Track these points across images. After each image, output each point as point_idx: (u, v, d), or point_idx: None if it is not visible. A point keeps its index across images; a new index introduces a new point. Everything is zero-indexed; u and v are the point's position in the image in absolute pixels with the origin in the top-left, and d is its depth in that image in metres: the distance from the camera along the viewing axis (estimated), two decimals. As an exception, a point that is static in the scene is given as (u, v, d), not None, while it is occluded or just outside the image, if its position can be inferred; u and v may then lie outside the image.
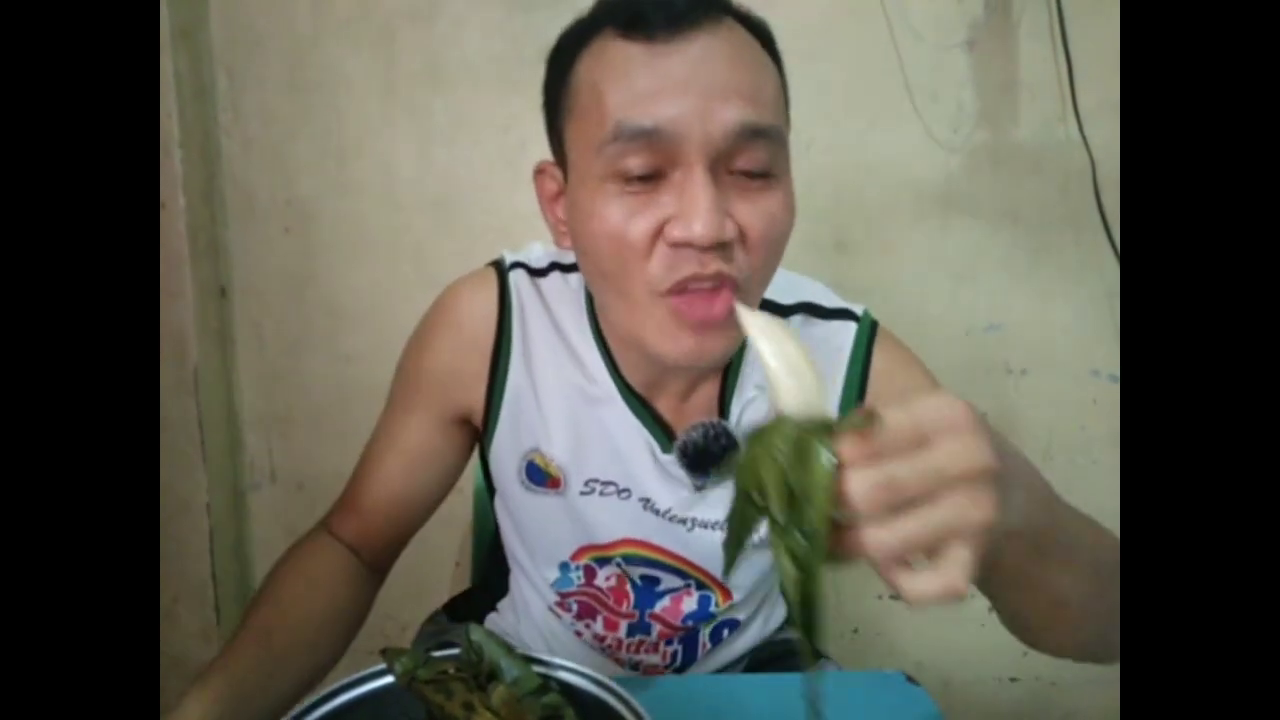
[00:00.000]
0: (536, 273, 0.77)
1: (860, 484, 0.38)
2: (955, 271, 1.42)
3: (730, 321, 0.60)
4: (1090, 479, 1.44)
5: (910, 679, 0.71)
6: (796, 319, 0.76)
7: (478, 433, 0.80)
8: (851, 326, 0.76)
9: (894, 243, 1.40)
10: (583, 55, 0.63)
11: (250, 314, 1.45)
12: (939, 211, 1.39)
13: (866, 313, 0.78)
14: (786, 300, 0.76)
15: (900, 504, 0.39)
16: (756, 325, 0.47)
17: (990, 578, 0.55)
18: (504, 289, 0.76)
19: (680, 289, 0.59)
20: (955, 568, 0.39)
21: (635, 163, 0.58)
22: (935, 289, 1.42)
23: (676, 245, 0.58)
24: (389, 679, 0.55)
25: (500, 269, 0.77)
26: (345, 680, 0.55)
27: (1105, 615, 0.58)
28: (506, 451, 0.77)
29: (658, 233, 0.59)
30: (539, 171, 0.70)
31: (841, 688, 0.71)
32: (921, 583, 0.40)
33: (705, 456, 0.71)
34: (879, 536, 0.39)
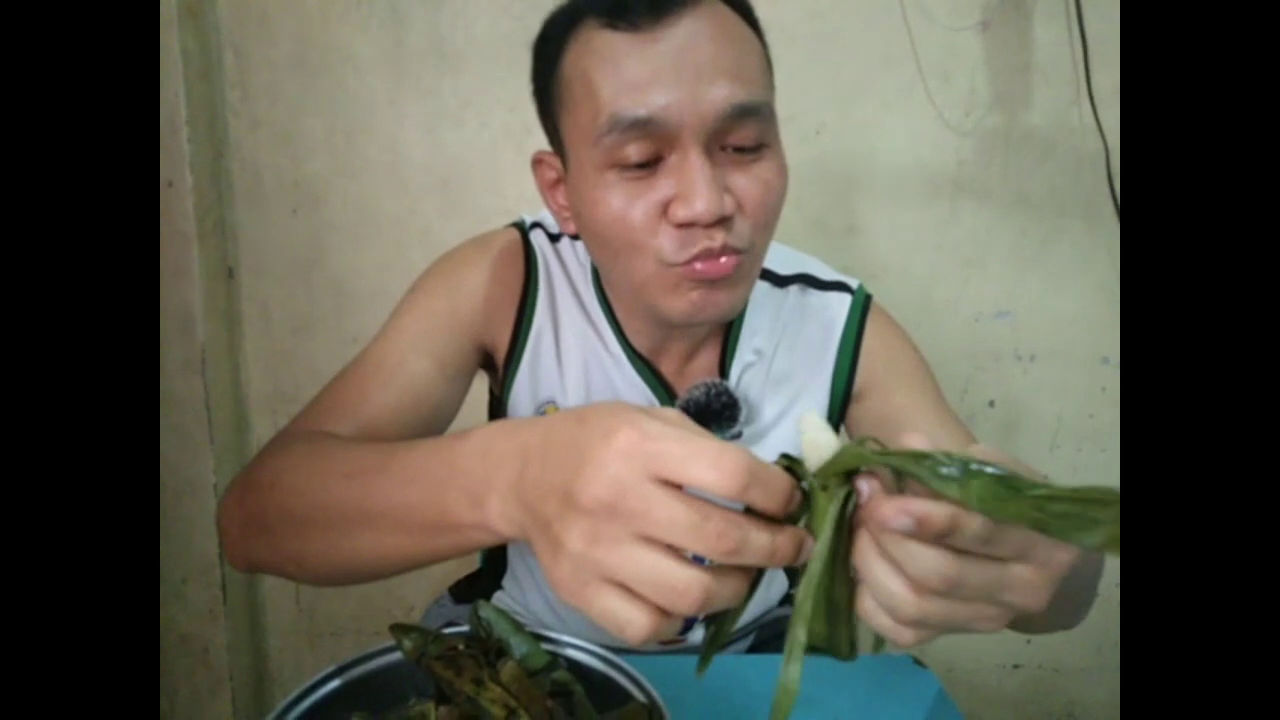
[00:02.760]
0: (552, 236, 0.80)
1: (932, 567, 0.36)
2: (965, 256, 1.41)
3: (735, 279, 0.64)
4: (1098, 467, 1.44)
5: (918, 661, 0.71)
6: (794, 288, 0.80)
7: (490, 379, 0.80)
8: (846, 298, 0.79)
9: (904, 227, 1.39)
10: (570, 45, 0.64)
11: (257, 294, 1.45)
12: (950, 195, 1.38)
13: (861, 286, 0.81)
14: (785, 271, 0.80)
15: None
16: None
17: None
18: (527, 244, 0.78)
19: (691, 262, 0.62)
20: (924, 638, 0.39)
21: (633, 150, 0.61)
22: (945, 274, 1.41)
23: (682, 225, 0.61)
24: (397, 655, 0.55)
25: (521, 229, 0.79)
26: (354, 656, 0.55)
27: (1081, 609, 0.61)
28: (524, 400, 0.78)
29: (661, 214, 0.62)
30: (537, 161, 0.72)
31: (849, 669, 0.71)
32: (880, 619, 0.39)
33: (707, 414, 0.74)
34: (901, 595, 0.37)
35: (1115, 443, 1.44)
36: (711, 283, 0.63)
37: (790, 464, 0.41)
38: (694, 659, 0.75)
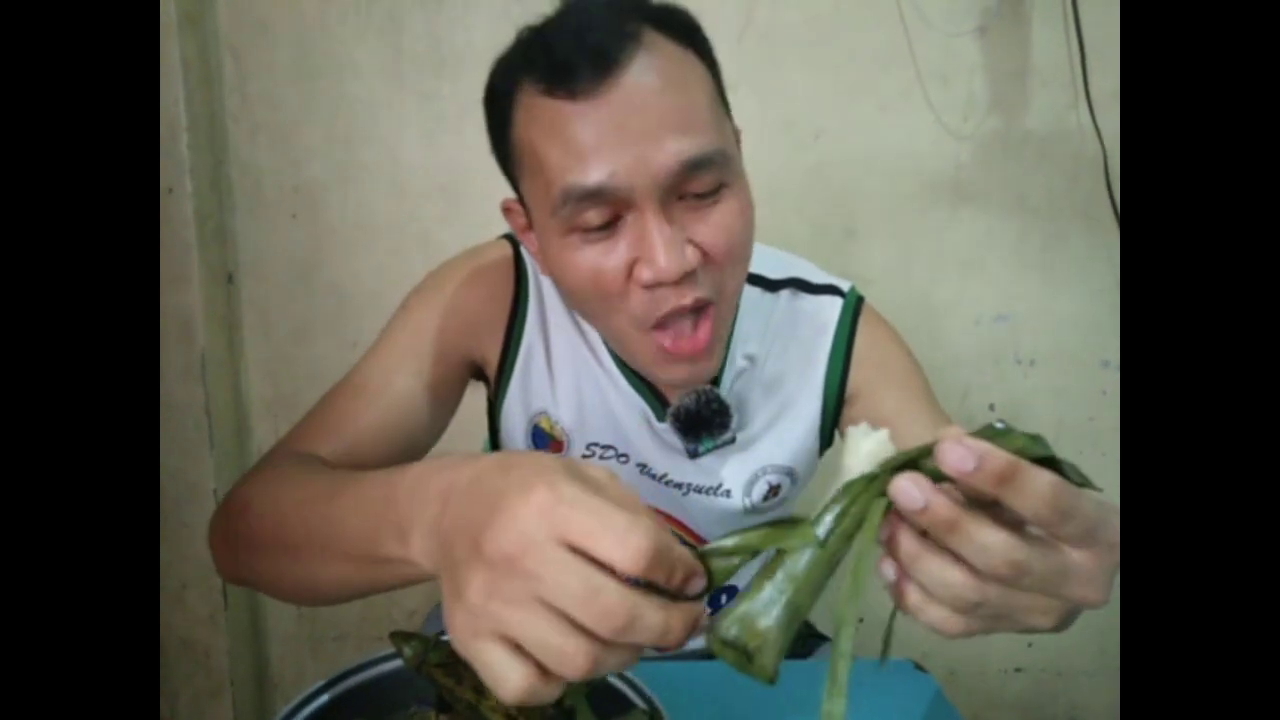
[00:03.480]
0: None
1: (999, 549, 0.35)
2: (965, 260, 1.41)
3: (715, 343, 0.65)
4: (1098, 470, 1.42)
5: (919, 666, 0.71)
6: (785, 293, 0.79)
7: (486, 389, 0.81)
8: (838, 302, 0.79)
9: (903, 231, 1.39)
10: (515, 109, 0.64)
11: (257, 300, 1.45)
12: (949, 200, 1.39)
13: (853, 289, 0.81)
14: (776, 275, 0.79)
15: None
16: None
17: None
18: (518, 257, 0.78)
19: (663, 323, 0.63)
20: (974, 629, 0.39)
21: (591, 216, 0.60)
22: (944, 278, 1.41)
23: (648, 287, 0.61)
24: (398, 662, 0.55)
25: (513, 240, 0.79)
26: (355, 663, 0.55)
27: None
28: (516, 412, 0.78)
29: (628, 274, 0.62)
30: (507, 210, 0.72)
31: (851, 674, 0.70)
32: (933, 612, 0.39)
33: (698, 421, 0.74)
34: (959, 583, 0.37)
35: (1116, 446, 1.44)
36: (693, 356, 0.64)
37: (699, 551, 0.40)
38: (696, 665, 0.75)
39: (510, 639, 0.36)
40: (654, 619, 0.36)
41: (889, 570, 0.39)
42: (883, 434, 0.39)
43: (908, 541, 0.38)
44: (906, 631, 1.55)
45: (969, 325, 1.43)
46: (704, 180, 0.60)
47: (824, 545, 0.39)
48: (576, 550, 0.35)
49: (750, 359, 0.77)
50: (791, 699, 0.65)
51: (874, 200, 1.38)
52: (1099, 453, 1.44)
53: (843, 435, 0.81)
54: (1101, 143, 1.33)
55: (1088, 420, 1.44)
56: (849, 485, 0.39)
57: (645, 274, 0.60)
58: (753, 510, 0.78)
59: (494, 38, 1.45)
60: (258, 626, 1.55)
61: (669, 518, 0.79)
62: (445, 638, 0.56)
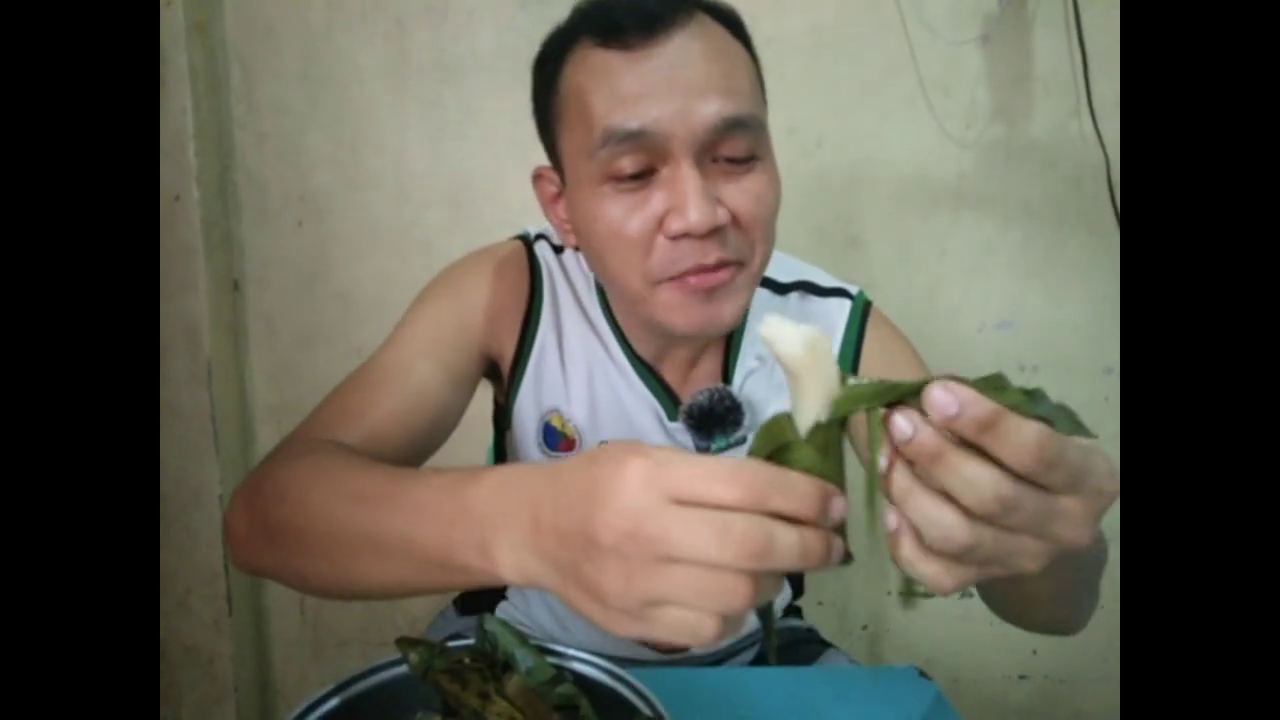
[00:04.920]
0: (556, 248, 0.81)
1: (986, 483, 0.36)
2: (967, 268, 1.41)
3: (732, 289, 0.65)
4: (1101, 477, 1.44)
5: (923, 673, 0.71)
6: (794, 295, 0.81)
7: (495, 388, 0.81)
8: (846, 304, 0.80)
9: (906, 239, 1.40)
10: (566, 64, 0.67)
11: (263, 307, 1.46)
12: (951, 207, 1.39)
13: (861, 293, 0.82)
14: (785, 279, 0.81)
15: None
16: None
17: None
18: (532, 256, 0.79)
19: (683, 276, 0.64)
20: (966, 580, 0.39)
21: (627, 162, 0.62)
22: (947, 285, 1.42)
23: (675, 238, 0.62)
24: (403, 669, 0.55)
25: (526, 241, 0.81)
26: (360, 670, 0.55)
27: (1084, 605, 0.61)
28: (528, 409, 0.79)
29: (656, 227, 0.63)
30: (538, 176, 0.74)
31: (854, 681, 0.71)
32: (924, 565, 0.39)
33: (710, 419, 0.75)
34: (951, 524, 0.37)
35: (1118, 453, 1.43)
36: (709, 294, 0.64)
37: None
38: (698, 671, 0.75)
39: (671, 604, 0.36)
40: (789, 538, 0.36)
41: (891, 519, 0.39)
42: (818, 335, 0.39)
43: (901, 478, 0.38)
44: (910, 640, 1.56)
45: (971, 333, 1.43)
46: (739, 143, 0.63)
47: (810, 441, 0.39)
48: (690, 504, 0.36)
49: (761, 359, 0.78)
50: (797, 705, 0.66)
51: (877, 208, 1.39)
52: (1102, 460, 1.44)
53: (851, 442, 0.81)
54: (1104, 150, 1.33)
55: (1091, 427, 1.44)
56: (839, 403, 0.39)
57: (675, 224, 0.61)
58: None
59: (498, 46, 1.46)
60: (261, 633, 1.55)
61: None
62: (452, 644, 0.56)
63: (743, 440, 0.76)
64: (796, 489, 0.37)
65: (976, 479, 0.36)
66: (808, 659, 0.89)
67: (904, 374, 0.78)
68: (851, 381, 0.39)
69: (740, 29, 0.68)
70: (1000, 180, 1.38)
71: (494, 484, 0.44)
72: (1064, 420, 0.38)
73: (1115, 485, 0.38)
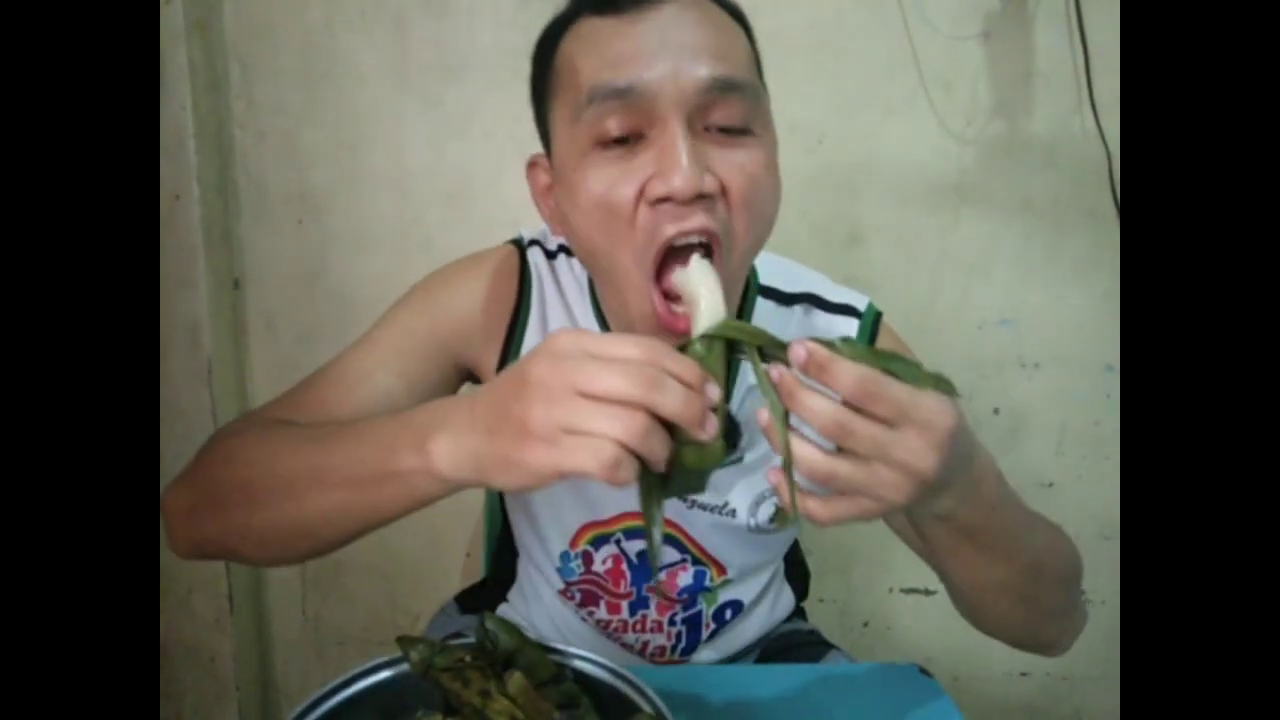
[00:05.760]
0: (549, 254, 0.79)
1: (825, 410, 0.46)
2: (968, 265, 1.41)
3: (711, 255, 0.63)
4: (1102, 474, 1.44)
5: (923, 670, 0.71)
6: (799, 309, 0.78)
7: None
8: (854, 324, 0.78)
9: (907, 235, 1.40)
10: (562, 41, 0.66)
11: (263, 305, 1.46)
12: (952, 204, 1.39)
13: (870, 306, 0.80)
14: (791, 289, 0.78)
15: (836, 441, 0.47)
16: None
17: (923, 548, 0.62)
18: (523, 262, 0.78)
19: (663, 275, 0.61)
20: (839, 512, 0.49)
21: (613, 123, 0.60)
22: (948, 282, 1.41)
23: (658, 202, 0.59)
24: (404, 667, 0.55)
25: (519, 245, 0.79)
26: (361, 668, 0.55)
27: (1039, 614, 0.64)
28: None
29: (640, 196, 0.60)
30: (531, 165, 0.72)
31: (855, 679, 0.71)
32: (812, 503, 0.49)
33: None
34: (811, 455, 0.47)
35: (1119, 450, 1.44)
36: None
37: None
38: (699, 669, 0.75)
39: (580, 432, 0.44)
40: (675, 387, 0.45)
41: (772, 475, 0.50)
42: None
43: (774, 421, 0.48)
44: (910, 637, 1.56)
45: (973, 329, 1.43)
46: (732, 109, 0.60)
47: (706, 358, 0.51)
48: (603, 358, 0.45)
49: None
50: (798, 702, 0.66)
51: (878, 205, 1.38)
52: (1102, 456, 1.44)
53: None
54: (1105, 146, 1.33)
55: (1092, 424, 1.44)
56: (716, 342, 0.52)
57: (658, 186, 0.58)
58: (757, 530, 0.78)
59: (499, 43, 1.46)
60: (263, 632, 1.55)
61: (671, 524, 0.78)
62: (453, 642, 0.56)
63: (739, 460, 0.75)
64: (684, 362, 0.46)
65: (818, 408, 0.46)
66: (811, 660, 0.89)
67: None
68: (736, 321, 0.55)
69: (741, 16, 0.67)
70: (1002, 177, 1.38)
71: (438, 400, 0.53)
72: (920, 376, 0.48)
73: (948, 419, 0.47)
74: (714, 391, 0.47)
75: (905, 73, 1.34)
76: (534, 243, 0.79)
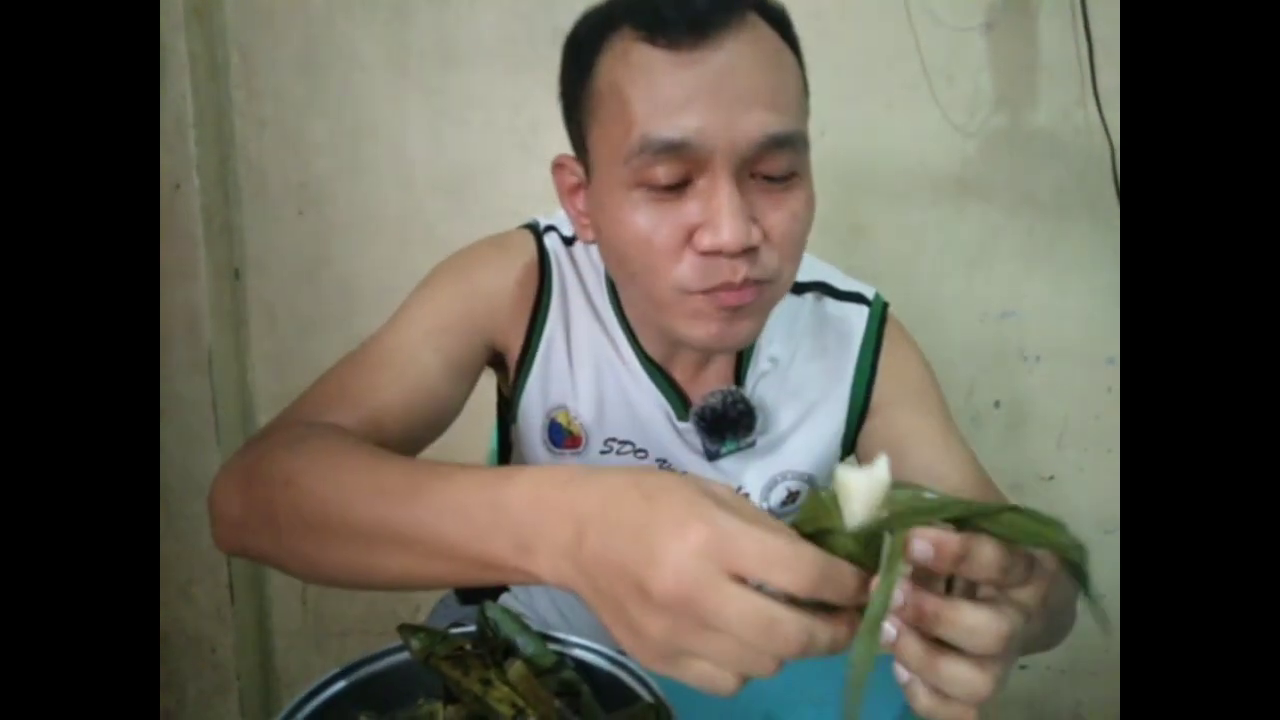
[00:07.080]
0: (566, 240, 0.79)
1: (990, 622, 0.38)
2: (970, 257, 1.40)
3: (756, 307, 0.63)
4: (1104, 468, 1.44)
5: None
6: (810, 296, 0.79)
7: (500, 380, 0.80)
8: (864, 311, 0.79)
9: (909, 227, 1.39)
10: (604, 53, 0.63)
11: (263, 295, 1.45)
12: (955, 196, 1.38)
13: (878, 296, 0.80)
14: (802, 278, 0.78)
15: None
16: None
17: None
18: (542, 247, 0.77)
19: (711, 291, 0.61)
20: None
21: (662, 172, 0.59)
22: (950, 274, 1.41)
23: (706, 254, 0.60)
24: (405, 655, 0.55)
25: (536, 230, 0.78)
26: (362, 656, 0.55)
27: (1045, 646, 0.61)
28: (534, 405, 0.77)
29: (685, 239, 0.60)
30: (558, 165, 0.70)
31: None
32: (945, 710, 0.41)
33: (722, 422, 0.73)
34: (912, 650, 0.40)
35: (1119, 446, 1.44)
36: (733, 311, 0.62)
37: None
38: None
39: (700, 658, 0.39)
40: (824, 637, 0.38)
41: (901, 673, 0.41)
42: (880, 469, 0.40)
43: (911, 645, 0.40)
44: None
45: (974, 321, 1.43)
46: (780, 161, 0.60)
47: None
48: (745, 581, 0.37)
49: (774, 361, 0.77)
50: (796, 694, 0.66)
51: (880, 196, 1.38)
52: (1104, 449, 1.44)
53: (857, 451, 0.80)
54: (1109, 139, 1.32)
55: (1094, 418, 1.43)
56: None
57: (706, 240, 0.59)
58: (770, 514, 0.78)
59: (501, 32, 1.45)
60: (263, 622, 1.56)
61: None
62: (454, 631, 0.56)
63: (752, 444, 0.75)
64: (844, 582, 0.39)
65: (977, 626, 0.38)
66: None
67: (914, 388, 0.77)
68: (899, 497, 0.41)
69: (791, 35, 0.66)
70: (1004, 169, 1.37)
71: (529, 486, 0.44)
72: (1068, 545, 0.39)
73: (1053, 563, 0.41)
74: (873, 588, 0.39)
75: (908, 64, 1.34)
76: (550, 228, 0.79)
